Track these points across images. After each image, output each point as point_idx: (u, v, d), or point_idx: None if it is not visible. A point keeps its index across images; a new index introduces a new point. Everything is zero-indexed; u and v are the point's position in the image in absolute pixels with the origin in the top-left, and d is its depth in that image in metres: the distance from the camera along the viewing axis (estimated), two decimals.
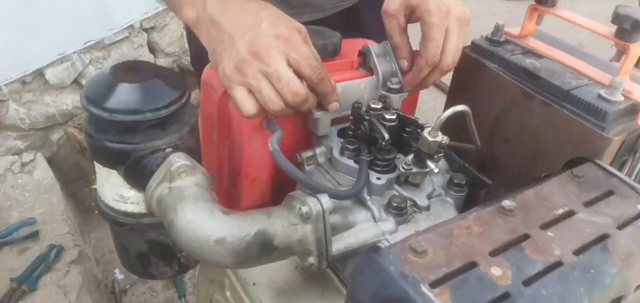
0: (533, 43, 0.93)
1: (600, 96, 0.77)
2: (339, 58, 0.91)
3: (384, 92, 0.86)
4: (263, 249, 0.59)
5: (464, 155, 0.91)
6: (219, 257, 0.58)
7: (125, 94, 0.66)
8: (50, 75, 2.43)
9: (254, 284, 0.74)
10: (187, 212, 0.59)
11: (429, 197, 0.76)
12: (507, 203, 0.59)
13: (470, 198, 0.81)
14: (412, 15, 0.82)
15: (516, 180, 0.84)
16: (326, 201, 0.63)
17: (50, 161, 2.48)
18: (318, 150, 0.81)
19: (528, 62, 0.86)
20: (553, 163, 0.81)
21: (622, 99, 0.77)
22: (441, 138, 0.71)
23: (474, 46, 0.93)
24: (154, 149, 0.67)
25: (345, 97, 0.86)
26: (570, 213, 0.60)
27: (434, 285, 0.49)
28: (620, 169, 0.87)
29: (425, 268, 0.50)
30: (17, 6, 2.24)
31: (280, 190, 0.84)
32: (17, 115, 2.46)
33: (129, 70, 0.69)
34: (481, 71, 0.91)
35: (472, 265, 0.52)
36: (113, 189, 0.71)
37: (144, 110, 0.65)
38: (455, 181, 0.77)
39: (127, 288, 2.00)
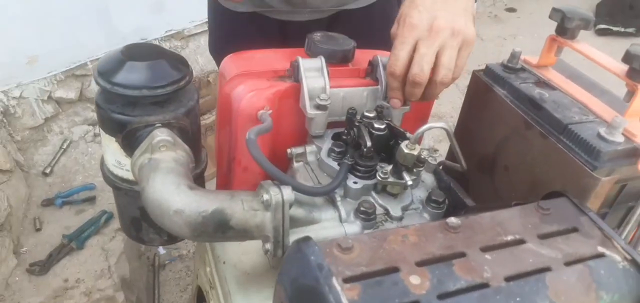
0: (550, 74, 0.92)
1: (599, 135, 0.75)
2: (352, 65, 0.94)
3: (384, 103, 0.88)
4: (219, 227, 0.64)
5: (461, 176, 0.91)
6: (176, 227, 0.63)
7: (129, 71, 0.73)
8: None
9: (224, 262, 0.79)
10: (157, 181, 0.65)
11: (405, 209, 0.77)
12: (452, 220, 0.59)
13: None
14: None
15: None
16: (287, 193, 0.66)
17: None
18: (308, 149, 0.85)
19: (536, 92, 0.85)
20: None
21: (621, 140, 0.74)
22: (417, 151, 0.72)
23: (488, 70, 0.93)
24: (147, 123, 0.74)
25: (346, 103, 0.89)
26: (518, 242, 0.59)
27: (347, 280, 0.51)
28: (625, 216, 0.84)
29: (345, 264, 0.53)
30: None
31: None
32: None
33: (139, 51, 0.77)
34: (489, 95, 0.90)
35: (393, 270, 0.53)
36: (113, 155, 0.78)
37: (142, 87, 0.72)
38: (433, 198, 0.77)
39: (166, 263, 2.13)
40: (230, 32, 1.24)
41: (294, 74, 0.86)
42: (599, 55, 0.82)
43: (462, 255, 0.56)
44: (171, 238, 0.85)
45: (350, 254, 0.54)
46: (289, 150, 0.84)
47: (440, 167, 0.85)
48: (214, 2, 1.25)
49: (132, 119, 0.74)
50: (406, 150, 0.72)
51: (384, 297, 0.50)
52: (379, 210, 0.76)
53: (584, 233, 0.62)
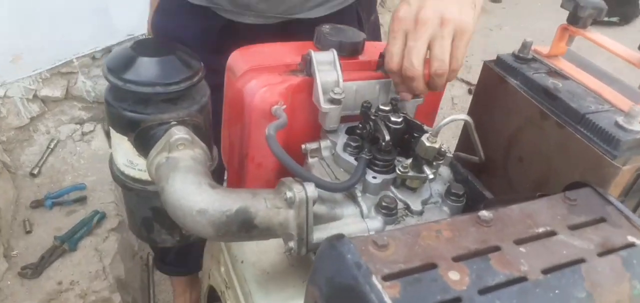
0: (561, 63, 0.91)
1: (616, 123, 0.75)
2: (361, 57, 0.93)
3: (397, 96, 0.87)
4: (243, 226, 0.62)
5: (474, 168, 0.90)
6: (200, 227, 0.61)
7: (141, 67, 0.71)
8: None
9: (242, 262, 0.77)
10: (177, 181, 0.63)
11: (425, 203, 0.76)
12: (484, 213, 0.59)
13: (471, 211, 0.81)
14: None
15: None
16: (311, 190, 0.65)
17: (108, 134, 2.63)
18: (323, 144, 0.83)
19: (550, 81, 0.85)
20: (563, 186, 0.79)
21: (639, 128, 0.74)
22: (439, 144, 0.71)
23: (499, 61, 0.93)
24: (162, 121, 0.72)
25: (358, 96, 0.88)
26: (550, 233, 0.59)
27: (386, 278, 0.50)
28: (639, 204, 0.84)
29: (382, 261, 0.51)
30: None
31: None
32: (84, 88, 2.63)
33: (150, 47, 0.75)
34: (502, 86, 0.90)
35: (431, 266, 0.52)
36: (124, 155, 0.76)
37: (155, 84, 0.70)
38: (453, 191, 0.76)
39: None
40: (180, 20, 1.19)
41: (306, 67, 0.85)
42: (613, 44, 0.82)
43: (497, 248, 0.55)
44: (183, 238, 0.83)
45: (386, 251, 0.53)
46: (303, 146, 0.83)
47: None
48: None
49: (146, 117, 0.72)
50: (428, 144, 0.71)
51: (424, 294, 0.49)
52: (400, 205, 0.75)
53: (611, 223, 0.62)
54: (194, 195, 0.62)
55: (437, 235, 0.56)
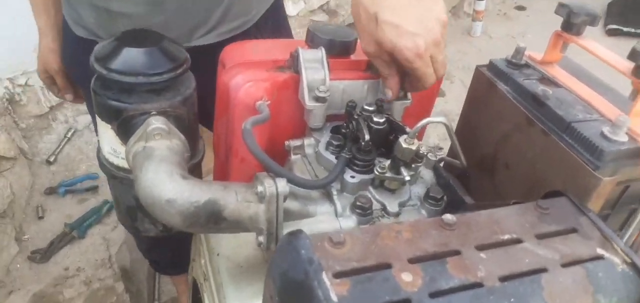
0: (555, 70, 0.90)
1: (602, 133, 0.73)
2: (353, 57, 0.93)
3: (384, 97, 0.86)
4: (211, 217, 0.63)
5: (463, 173, 0.90)
6: (168, 216, 0.62)
7: (125, 57, 0.72)
8: None
9: (218, 254, 0.78)
10: (150, 170, 0.64)
11: (403, 205, 0.76)
12: (447, 217, 0.58)
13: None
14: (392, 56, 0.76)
15: None
16: (282, 185, 0.65)
17: None
18: (306, 141, 0.84)
19: (540, 88, 0.83)
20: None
21: (625, 139, 0.72)
22: (416, 146, 0.71)
23: (491, 65, 0.91)
24: (143, 110, 0.73)
25: (346, 96, 0.88)
26: (516, 241, 0.58)
27: (337, 275, 0.50)
28: (627, 219, 0.82)
29: (336, 259, 0.52)
30: None
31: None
32: None
33: (137, 37, 0.76)
34: (492, 91, 0.89)
35: (386, 266, 0.52)
36: (108, 143, 0.77)
37: (138, 74, 0.71)
38: (431, 194, 0.76)
39: None
40: (74, 53, 1.18)
41: (293, 64, 0.85)
42: (604, 52, 0.81)
43: (456, 253, 0.55)
44: (166, 229, 0.84)
45: (342, 249, 0.53)
46: (286, 143, 0.83)
47: (441, 164, 0.83)
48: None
49: (128, 106, 0.73)
50: (405, 145, 0.71)
51: (374, 294, 0.49)
52: (376, 206, 0.75)
53: (583, 234, 0.60)
54: (164, 185, 0.63)
55: (397, 235, 0.56)
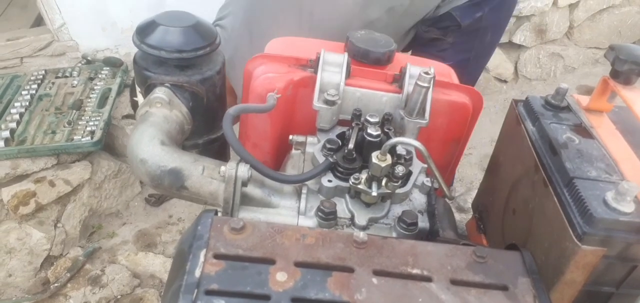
0: (599, 120, 0.80)
1: (604, 198, 0.64)
2: (389, 68, 0.93)
3: (402, 113, 0.85)
4: (173, 183, 0.70)
5: (484, 211, 0.84)
6: (139, 173, 0.71)
7: (157, 34, 0.83)
8: None
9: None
10: (138, 130, 0.74)
11: (374, 220, 0.75)
12: (359, 235, 0.57)
13: None
14: None
15: None
16: (242, 170, 0.69)
17: None
18: (309, 139, 0.86)
19: (565, 136, 0.75)
20: (539, 251, 0.70)
21: (630, 210, 0.62)
22: (386, 163, 0.70)
23: (526, 102, 0.84)
24: (163, 81, 0.83)
25: (361, 104, 0.88)
26: (422, 278, 0.55)
27: (217, 256, 0.53)
28: None
29: (226, 242, 0.55)
30: None
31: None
32: None
33: (173, 18, 0.86)
34: (518, 129, 0.82)
35: (269, 261, 0.54)
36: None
37: (161, 49, 0.81)
38: (403, 217, 0.73)
39: None
40: None
41: (315, 65, 0.88)
42: None
43: (349, 270, 0.54)
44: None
45: (238, 235, 0.56)
46: (291, 137, 0.87)
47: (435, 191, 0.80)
48: None
49: (152, 75, 0.84)
50: (374, 160, 0.70)
51: (239, 280, 0.51)
52: (346, 214, 0.75)
53: (511, 295, 0.55)
54: (142, 146, 0.72)
55: (300, 238, 0.57)
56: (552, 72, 3.16)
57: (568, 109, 0.81)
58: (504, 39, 2.89)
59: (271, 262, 0.53)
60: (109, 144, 1.99)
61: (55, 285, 1.74)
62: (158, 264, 1.84)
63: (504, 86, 2.97)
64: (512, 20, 2.84)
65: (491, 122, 2.51)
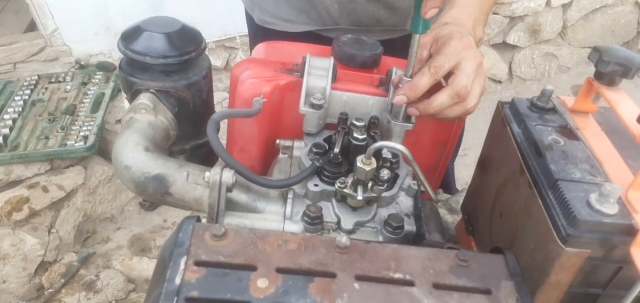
0: (584, 121, 0.80)
1: (588, 200, 0.64)
2: (377, 72, 0.93)
3: (389, 117, 0.85)
4: (158, 189, 0.70)
5: (471, 214, 0.84)
6: (124, 180, 0.71)
7: (142, 40, 0.83)
8: None
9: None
10: (123, 137, 0.74)
11: (360, 224, 0.75)
12: (341, 239, 0.57)
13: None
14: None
15: None
16: (226, 175, 0.69)
17: None
18: (296, 143, 0.86)
19: (551, 137, 0.75)
20: (524, 253, 0.70)
21: (613, 211, 0.62)
22: (371, 167, 0.70)
23: (512, 104, 0.84)
24: (148, 87, 0.83)
25: (348, 107, 0.88)
26: (405, 282, 0.55)
27: (198, 264, 0.53)
28: None
29: (206, 248, 0.55)
30: None
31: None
32: None
33: (158, 24, 0.86)
34: (504, 131, 0.82)
35: (250, 268, 0.54)
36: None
37: (146, 55, 0.81)
38: (389, 221, 0.73)
39: None
40: None
41: (301, 69, 0.88)
42: (628, 110, 0.69)
43: (331, 275, 0.54)
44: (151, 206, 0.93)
45: (219, 242, 0.56)
46: (278, 141, 0.87)
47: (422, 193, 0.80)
48: (257, 26, 1.28)
49: (137, 81, 0.83)
50: (358, 164, 0.70)
51: (218, 288, 0.51)
52: (332, 219, 0.75)
53: (494, 299, 0.55)
54: (127, 152, 0.71)
55: (282, 244, 0.57)
56: (547, 71, 3.16)
57: (554, 110, 0.81)
58: (497, 39, 2.90)
59: (252, 268, 0.53)
60: (103, 149, 1.99)
61: (50, 290, 1.74)
62: (153, 269, 1.84)
63: (498, 86, 2.98)
64: (505, 20, 2.85)
65: (486, 122, 2.49)
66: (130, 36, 0.83)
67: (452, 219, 1.17)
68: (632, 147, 0.75)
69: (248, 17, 1.36)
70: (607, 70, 0.73)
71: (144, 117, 0.78)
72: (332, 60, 0.87)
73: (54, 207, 1.82)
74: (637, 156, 0.73)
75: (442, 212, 1.21)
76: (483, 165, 0.90)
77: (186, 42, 0.85)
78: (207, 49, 0.89)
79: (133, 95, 0.84)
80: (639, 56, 0.74)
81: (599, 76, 0.75)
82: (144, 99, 0.78)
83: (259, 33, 1.29)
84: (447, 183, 1.31)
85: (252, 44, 1.38)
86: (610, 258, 0.64)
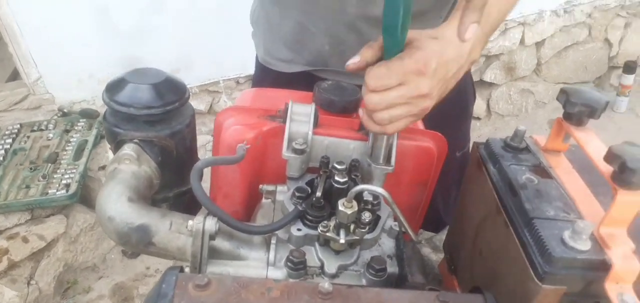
0: (557, 160, 0.82)
1: (562, 237, 0.66)
2: (356, 116, 0.95)
3: (369, 160, 0.87)
4: (141, 240, 0.70)
5: (454, 254, 0.86)
6: (108, 231, 0.71)
7: (126, 91, 0.84)
8: None
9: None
10: (107, 188, 0.74)
11: (344, 268, 0.76)
12: (324, 285, 0.58)
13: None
14: None
15: None
16: (209, 223, 0.70)
17: None
18: (279, 188, 0.87)
19: (525, 177, 0.78)
20: (504, 292, 0.71)
21: (586, 247, 0.65)
22: (352, 211, 0.71)
23: (487, 145, 0.87)
24: (132, 137, 0.84)
25: (330, 151, 0.90)
26: None
27: None
28: None
29: (190, 299, 0.55)
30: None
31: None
32: (225, 106, 2.97)
33: (142, 75, 0.87)
34: (480, 172, 0.84)
35: None
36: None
37: (130, 106, 0.83)
38: (372, 264, 0.74)
39: None
40: None
41: (284, 115, 0.90)
42: (595, 149, 0.72)
43: None
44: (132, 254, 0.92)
45: (202, 292, 0.56)
46: (261, 186, 0.88)
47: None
48: (260, 65, 1.33)
49: (121, 132, 0.84)
50: (340, 207, 0.71)
51: None
52: (316, 263, 0.76)
53: None
54: (110, 203, 0.72)
55: (265, 292, 0.57)
56: (524, 107, 3.24)
57: (527, 149, 0.84)
58: (475, 77, 2.97)
59: None
60: (85, 196, 1.98)
61: None
62: None
63: (477, 123, 3.04)
64: (481, 59, 2.93)
65: None
66: (114, 88, 0.85)
67: (436, 258, 1.18)
68: (602, 183, 0.77)
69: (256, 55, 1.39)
70: (575, 111, 0.76)
71: (127, 167, 0.79)
72: (313, 106, 0.90)
73: (33, 257, 1.80)
74: (607, 192, 0.75)
75: (427, 250, 1.23)
76: (462, 205, 0.92)
77: (170, 93, 0.86)
78: (190, 95, 0.91)
79: (117, 146, 0.84)
80: (604, 96, 0.78)
81: (567, 117, 0.78)
82: (128, 149, 0.79)
83: (260, 71, 1.34)
84: (436, 219, 1.31)
85: (254, 81, 1.41)
86: (586, 293, 0.66)
